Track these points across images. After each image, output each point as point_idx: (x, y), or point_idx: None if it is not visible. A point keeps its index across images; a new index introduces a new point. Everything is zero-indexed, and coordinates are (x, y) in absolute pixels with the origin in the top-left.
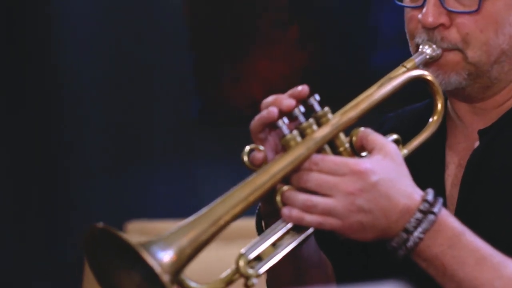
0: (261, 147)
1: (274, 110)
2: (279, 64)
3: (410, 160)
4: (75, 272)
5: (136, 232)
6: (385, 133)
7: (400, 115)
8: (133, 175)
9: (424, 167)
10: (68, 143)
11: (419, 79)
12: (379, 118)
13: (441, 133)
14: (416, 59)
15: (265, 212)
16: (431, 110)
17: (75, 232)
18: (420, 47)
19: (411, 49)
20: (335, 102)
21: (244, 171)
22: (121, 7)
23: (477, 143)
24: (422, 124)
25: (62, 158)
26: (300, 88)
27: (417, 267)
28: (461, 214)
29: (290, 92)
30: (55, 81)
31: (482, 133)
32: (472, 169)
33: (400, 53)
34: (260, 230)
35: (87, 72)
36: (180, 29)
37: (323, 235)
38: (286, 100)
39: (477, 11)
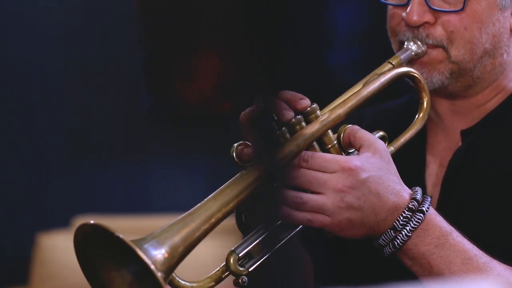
0: (249, 143)
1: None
2: (231, 62)
3: None
4: (20, 267)
5: None
6: (364, 127)
7: (380, 110)
8: (83, 170)
9: (405, 166)
10: (18, 138)
11: (406, 76)
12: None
13: (421, 132)
14: (402, 55)
15: (245, 206)
16: (411, 107)
17: (22, 226)
18: (405, 43)
19: (394, 46)
20: None
21: (194, 168)
22: (71, 3)
23: (459, 143)
24: (403, 120)
25: (12, 153)
26: (302, 100)
27: (397, 265)
28: (442, 213)
29: (289, 96)
30: (5, 78)
31: (464, 133)
32: (454, 169)
33: (354, 51)
34: (240, 224)
35: (38, 69)
36: (131, 25)
37: (304, 232)
38: (286, 110)
39: (462, 10)
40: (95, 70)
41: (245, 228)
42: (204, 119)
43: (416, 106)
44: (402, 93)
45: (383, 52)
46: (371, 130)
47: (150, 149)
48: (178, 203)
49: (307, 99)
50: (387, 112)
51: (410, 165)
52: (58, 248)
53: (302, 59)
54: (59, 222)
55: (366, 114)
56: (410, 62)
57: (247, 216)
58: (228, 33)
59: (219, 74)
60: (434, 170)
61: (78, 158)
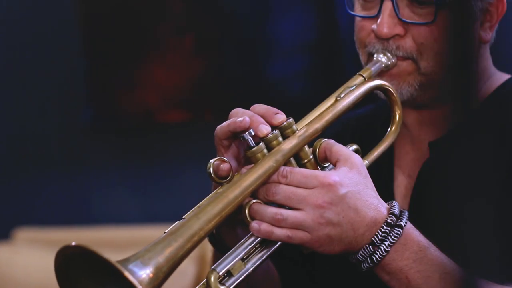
0: (225, 158)
1: (247, 120)
2: (174, 72)
3: None
4: None
5: (24, 239)
6: (329, 137)
7: (343, 120)
8: (24, 181)
9: (373, 178)
10: None
11: (379, 89)
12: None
13: None
14: (372, 67)
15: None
16: (377, 117)
17: None
18: (375, 55)
19: (362, 57)
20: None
21: (136, 179)
22: (11, 11)
23: (426, 155)
24: (369, 131)
25: None
26: (278, 115)
27: (374, 280)
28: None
29: (264, 111)
30: None
31: (432, 144)
32: (423, 181)
33: (297, 63)
34: (212, 239)
35: None
36: (72, 34)
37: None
38: (263, 125)
39: (433, 22)
40: (36, 80)
41: (217, 243)
42: (146, 130)
43: (381, 116)
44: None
45: (327, 63)
46: (337, 140)
47: (92, 160)
48: (120, 214)
49: (283, 113)
50: (354, 121)
51: (378, 177)
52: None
53: (245, 70)
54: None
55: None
56: (379, 74)
57: (218, 230)
58: (173, 45)
59: (161, 85)
60: (402, 182)
61: (19, 169)
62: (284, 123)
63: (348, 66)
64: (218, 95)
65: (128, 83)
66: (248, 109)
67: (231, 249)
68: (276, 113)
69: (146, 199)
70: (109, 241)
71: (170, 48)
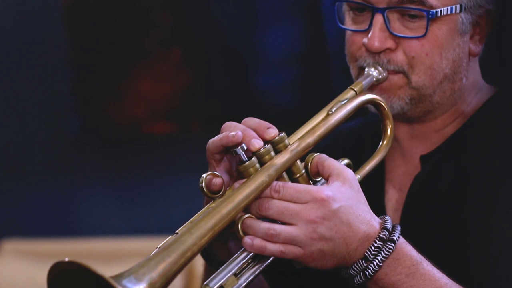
0: (218, 173)
1: (240, 135)
2: (161, 84)
3: None
4: None
5: (11, 250)
6: (319, 150)
7: (333, 134)
8: (10, 193)
9: (364, 192)
10: None
11: (371, 103)
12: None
13: None
14: (364, 81)
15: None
16: (367, 131)
17: None
18: (366, 69)
19: (353, 71)
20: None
21: (123, 190)
22: None
23: (418, 169)
24: (359, 144)
25: None
26: (270, 130)
27: None
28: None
29: (256, 125)
30: None
31: (424, 158)
32: (414, 195)
33: (284, 75)
34: (203, 253)
35: None
36: (60, 45)
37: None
38: (255, 139)
39: (424, 36)
40: (23, 90)
41: (208, 257)
42: (133, 141)
43: (371, 130)
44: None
45: (314, 75)
46: (327, 154)
47: (78, 171)
48: (106, 226)
49: (274, 127)
50: (345, 134)
51: (369, 191)
52: None
53: (232, 82)
54: None
55: None
56: (370, 87)
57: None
58: (161, 56)
59: (148, 96)
60: (393, 196)
61: (5, 180)
62: (276, 138)
63: (335, 77)
64: (205, 106)
65: (115, 94)
66: (239, 122)
67: (222, 263)
68: (269, 128)
69: (133, 211)
70: (95, 252)
71: (158, 59)
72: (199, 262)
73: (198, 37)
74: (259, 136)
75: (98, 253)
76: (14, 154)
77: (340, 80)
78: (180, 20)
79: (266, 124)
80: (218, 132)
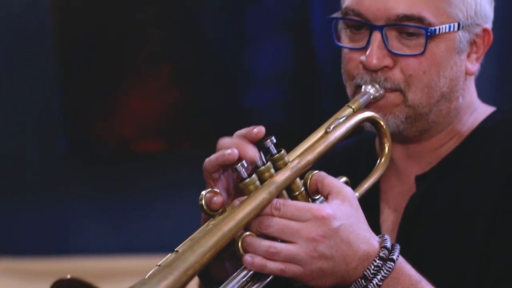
0: (217, 190)
1: (236, 153)
2: (151, 101)
3: None
4: None
5: (0, 269)
6: (313, 168)
7: (328, 151)
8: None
9: None
10: None
11: (369, 121)
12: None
13: None
14: (361, 99)
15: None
16: (361, 149)
17: None
18: (363, 87)
19: (349, 89)
20: (208, 140)
21: (113, 208)
22: None
23: (413, 189)
24: (354, 163)
25: None
26: (256, 130)
27: None
28: None
29: (245, 132)
30: None
31: (419, 179)
32: (409, 215)
33: (273, 92)
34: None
35: None
36: (48, 62)
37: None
38: (250, 148)
39: (422, 53)
40: (11, 108)
41: (204, 276)
42: (122, 159)
43: (365, 148)
44: None
45: (304, 92)
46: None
47: (68, 189)
48: (97, 244)
49: (260, 126)
50: (339, 153)
51: (364, 211)
52: None
53: (222, 99)
54: None
55: None
56: (367, 105)
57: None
58: (150, 74)
59: (137, 114)
60: (388, 216)
61: None
62: (276, 155)
63: (325, 95)
64: (195, 124)
65: (104, 111)
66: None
67: (219, 283)
68: (254, 128)
69: (123, 229)
70: (85, 271)
71: (147, 77)
72: (193, 282)
73: (187, 55)
74: (250, 140)
75: (88, 271)
76: (2, 173)
77: (330, 97)
78: (169, 38)
79: (251, 127)
80: (208, 150)
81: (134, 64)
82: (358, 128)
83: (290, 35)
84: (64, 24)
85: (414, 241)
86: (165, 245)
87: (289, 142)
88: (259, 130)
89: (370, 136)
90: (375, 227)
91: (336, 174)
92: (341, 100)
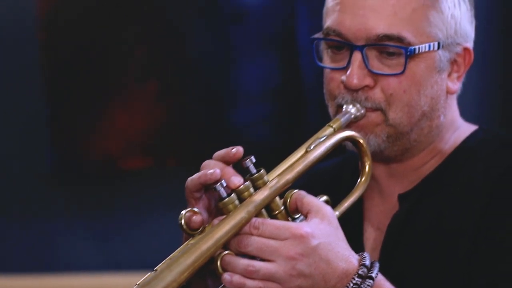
0: (197, 210)
1: (218, 172)
2: (137, 119)
3: None
4: None
5: None
6: (297, 188)
7: (311, 172)
8: None
9: (342, 230)
10: None
11: (349, 140)
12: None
13: None
14: (342, 118)
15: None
16: (345, 169)
17: None
18: (344, 106)
19: (331, 109)
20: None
21: (98, 226)
22: None
23: (396, 207)
24: (337, 182)
25: None
26: (234, 150)
27: None
28: None
29: (223, 153)
30: None
31: (402, 197)
32: (392, 234)
33: (260, 110)
34: None
35: None
36: (35, 79)
37: None
38: (235, 176)
39: (402, 73)
40: None
41: None
42: (108, 176)
43: (349, 168)
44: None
45: (290, 110)
46: (306, 192)
47: (54, 206)
48: (83, 262)
49: (238, 147)
50: (321, 174)
51: (347, 230)
52: None
53: (208, 117)
54: None
55: None
56: (348, 125)
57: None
58: (136, 91)
59: (124, 131)
60: (371, 235)
61: None
62: (256, 174)
63: (311, 112)
64: (181, 141)
65: (90, 128)
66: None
67: None
68: (232, 149)
69: (109, 246)
70: None
71: (133, 94)
72: None
73: (173, 72)
74: (228, 161)
75: None
76: None
77: (316, 114)
78: (155, 55)
79: (229, 148)
80: (194, 167)
81: (120, 81)
82: (340, 147)
83: (275, 52)
84: (51, 41)
85: (397, 259)
86: (151, 262)
87: (275, 159)
88: (237, 150)
89: (355, 155)
90: (358, 245)
91: (320, 193)
92: (326, 117)
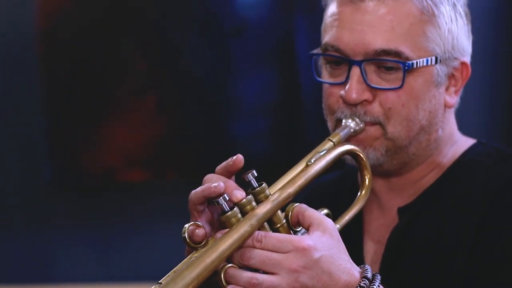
0: (200, 223)
1: (222, 186)
2: (136, 132)
3: None
4: None
5: None
6: (298, 202)
7: (311, 186)
8: None
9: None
10: None
11: (349, 154)
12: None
13: None
14: (341, 132)
15: None
16: (345, 183)
17: None
18: (343, 121)
19: (330, 123)
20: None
21: (98, 238)
22: None
23: (396, 221)
24: (337, 196)
25: None
26: (233, 158)
27: None
28: None
29: (224, 165)
30: None
31: (401, 211)
32: (392, 247)
33: (259, 123)
34: None
35: None
36: (34, 91)
37: None
38: (237, 190)
39: (400, 87)
40: None
41: None
42: (107, 189)
43: (348, 182)
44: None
45: (289, 124)
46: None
47: (52, 218)
48: (82, 273)
49: (238, 156)
50: (321, 188)
51: (347, 243)
52: None
53: (207, 130)
54: None
55: None
56: (347, 139)
57: None
58: (135, 104)
59: (123, 144)
60: (371, 248)
61: None
62: (257, 188)
63: (309, 127)
64: (180, 154)
65: (89, 141)
66: (213, 170)
67: None
68: (232, 161)
69: (108, 258)
70: None
71: (132, 107)
72: None
73: (172, 86)
74: (230, 171)
75: None
76: None
77: (314, 129)
78: (154, 69)
79: (229, 160)
80: (193, 180)
81: (119, 94)
82: (340, 161)
83: (275, 66)
84: (50, 54)
85: (397, 272)
86: (150, 274)
87: (273, 173)
88: (236, 157)
89: (355, 169)
90: (359, 258)
91: (320, 207)
92: (325, 132)
